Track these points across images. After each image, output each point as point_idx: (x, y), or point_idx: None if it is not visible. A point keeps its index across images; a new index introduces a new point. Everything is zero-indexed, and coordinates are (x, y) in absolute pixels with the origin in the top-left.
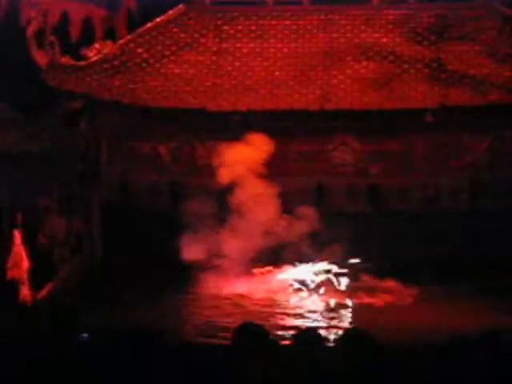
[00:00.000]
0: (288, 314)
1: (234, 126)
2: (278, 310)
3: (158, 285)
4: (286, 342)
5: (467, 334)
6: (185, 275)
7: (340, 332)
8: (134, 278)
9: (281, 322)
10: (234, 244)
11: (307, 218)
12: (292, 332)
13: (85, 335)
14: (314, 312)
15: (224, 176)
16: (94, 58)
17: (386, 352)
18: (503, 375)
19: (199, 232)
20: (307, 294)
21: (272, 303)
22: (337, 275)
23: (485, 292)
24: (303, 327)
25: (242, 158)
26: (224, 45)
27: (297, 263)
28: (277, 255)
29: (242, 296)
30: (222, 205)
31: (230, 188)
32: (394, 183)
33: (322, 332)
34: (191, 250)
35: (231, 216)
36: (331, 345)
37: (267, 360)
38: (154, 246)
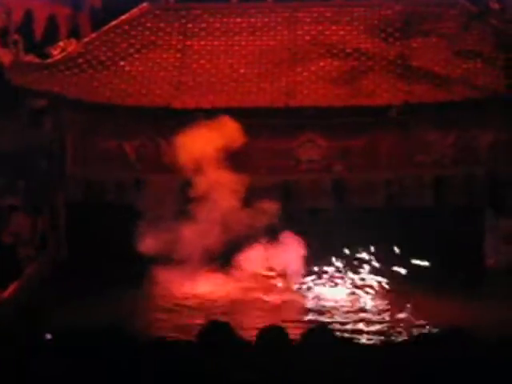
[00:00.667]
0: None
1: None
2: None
3: (124, 282)
4: (252, 340)
5: (433, 331)
6: (150, 272)
7: (304, 329)
8: (100, 276)
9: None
10: (199, 240)
11: (272, 214)
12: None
13: (48, 336)
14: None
15: (188, 169)
16: (59, 57)
17: (352, 348)
18: (469, 369)
19: (165, 228)
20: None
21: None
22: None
23: (452, 286)
24: (268, 325)
25: (205, 144)
26: (188, 42)
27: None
28: (240, 251)
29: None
30: (187, 201)
31: (194, 184)
32: (359, 179)
33: (287, 329)
34: (157, 246)
35: (197, 212)
36: (296, 342)
37: (233, 357)
38: (120, 243)
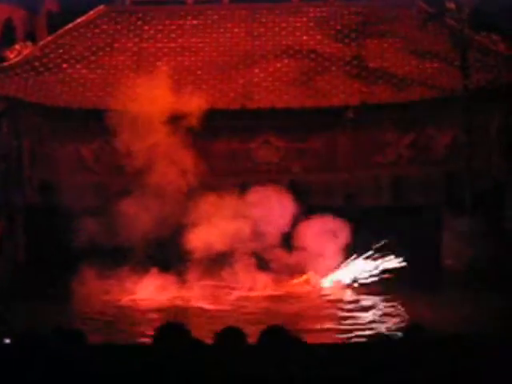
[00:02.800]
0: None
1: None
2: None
3: (80, 285)
4: (209, 341)
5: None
6: (107, 275)
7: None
8: (57, 280)
9: None
10: (154, 243)
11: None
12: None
13: (7, 340)
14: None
15: (143, 170)
16: (15, 60)
17: (308, 351)
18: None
19: (121, 231)
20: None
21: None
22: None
23: (410, 286)
24: (226, 326)
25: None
26: (144, 45)
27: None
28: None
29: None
30: (143, 202)
31: (152, 187)
32: (316, 180)
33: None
34: (113, 249)
35: (155, 215)
36: (254, 343)
37: (189, 359)
38: (78, 247)
